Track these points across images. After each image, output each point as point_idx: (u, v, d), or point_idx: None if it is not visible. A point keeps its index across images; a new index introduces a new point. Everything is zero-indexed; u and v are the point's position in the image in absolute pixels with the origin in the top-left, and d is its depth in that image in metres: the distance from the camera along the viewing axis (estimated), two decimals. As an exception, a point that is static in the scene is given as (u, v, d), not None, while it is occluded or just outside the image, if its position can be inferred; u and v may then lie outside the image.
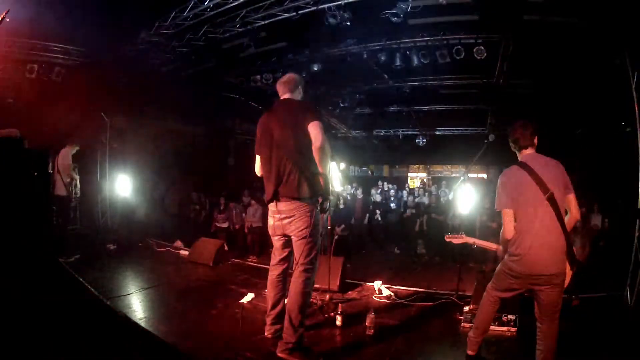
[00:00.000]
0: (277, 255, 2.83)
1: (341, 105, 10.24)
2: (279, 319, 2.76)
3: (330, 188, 2.78)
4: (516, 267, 2.29)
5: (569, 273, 2.34)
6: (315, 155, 2.50)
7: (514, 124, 2.42)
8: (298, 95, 2.76)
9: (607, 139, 8.32)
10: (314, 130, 2.47)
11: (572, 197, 2.31)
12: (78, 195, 6.98)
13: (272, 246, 2.88)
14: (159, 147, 9.37)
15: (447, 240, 3.28)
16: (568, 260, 2.27)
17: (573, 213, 2.32)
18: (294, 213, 2.58)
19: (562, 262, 2.24)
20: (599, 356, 2.74)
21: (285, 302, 2.71)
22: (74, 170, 5.70)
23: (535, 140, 2.39)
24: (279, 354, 2.55)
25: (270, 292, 2.82)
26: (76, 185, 6.63)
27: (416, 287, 4.19)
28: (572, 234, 2.35)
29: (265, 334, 2.84)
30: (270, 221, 2.76)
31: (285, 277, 2.83)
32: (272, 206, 2.70)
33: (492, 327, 2.84)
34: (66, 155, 5.42)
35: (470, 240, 3.21)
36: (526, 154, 2.39)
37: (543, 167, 2.28)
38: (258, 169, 2.83)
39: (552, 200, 2.21)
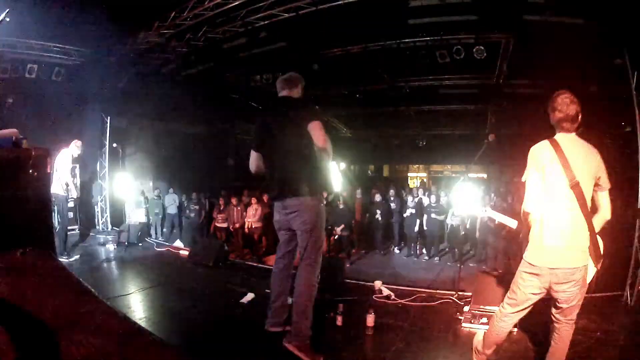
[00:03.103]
0: (282, 249, 2.86)
1: (341, 105, 10.24)
2: (280, 312, 2.79)
3: (331, 183, 2.80)
4: (535, 260, 2.11)
5: (592, 271, 2.19)
6: (319, 154, 2.53)
7: (559, 95, 2.13)
8: (297, 94, 2.77)
9: (607, 138, 8.32)
10: (315, 130, 2.49)
11: (604, 195, 2.13)
12: (78, 196, 6.99)
13: (272, 245, 2.90)
14: (159, 147, 9.38)
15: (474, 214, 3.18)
16: (592, 256, 2.11)
17: (602, 212, 2.14)
18: (299, 208, 2.61)
19: (583, 257, 2.07)
20: (599, 356, 2.74)
21: (289, 299, 2.74)
22: (72, 172, 5.69)
23: (579, 121, 2.13)
24: (286, 344, 2.56)
25: (273, 285, 2.85)
26: (76, 185, 6.64)
27: (416, 287, 4.19)
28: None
29: (266, 327, 2.84)
30: (276, 216, 2.79)
31: (289, 271, 2.85)
32: (277, 202, 2.75)
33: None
34: (65, 155, 5.42)
35: (494, 214, 3.09)
36: (564, 133, 2.14)
37: (576, 153, 2.08)
38: (253, 165, 2.82)
39: (576, 188, 2.02)
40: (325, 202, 2.73)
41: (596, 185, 2.11)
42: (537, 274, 2.11)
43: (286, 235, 2.79)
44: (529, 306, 2.22)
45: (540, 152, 2.13)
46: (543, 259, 2.08)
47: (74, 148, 5.30)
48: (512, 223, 2.93)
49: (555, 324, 2.19)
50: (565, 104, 2.10)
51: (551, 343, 2.23)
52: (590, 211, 2.07)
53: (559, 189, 2.05)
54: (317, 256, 2.66)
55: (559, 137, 2.14)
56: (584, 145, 2.13)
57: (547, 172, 2.08)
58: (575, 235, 2.05)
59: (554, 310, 2.19)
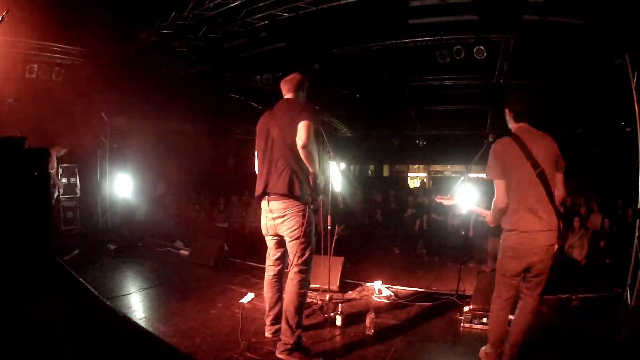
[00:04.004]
0: (271, 255, 2.81)
1: (341, 104, 10.25)
2: (278, 319, 2.76)
3: (324, 187, 2.77)
4: (513, 244, 2.33)
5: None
6: (301, 154, 2.48)
7: (515, 94, 2.47)
8: (301, 96, 2.74)
9: (607, 139, 8.33)
10: (301, 128, 2.46)
11: (560, 176, 2.37)
12: (79, 195, 7.01)
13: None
14: (159, 147, 9.38)
15: (438, 200, 3.15)
16: (557, 235, 2.34)
17: (560, 192, 2.38)
18: (285, 212, 2.56)
19: (554, 235, 2.31)
20: (599, 356, 2.74)
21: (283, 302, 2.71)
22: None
23: (532, 114, 2.43)
24: (278, 355, 2.55)
25: (267, 294, 2.81)
26: (76, 185, 6.68)
27: (416, 287, 4.19)
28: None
29: (266, 334, 2.84)
30: (263, 220, 2.73)
31: (280, 278, 2.82)
32: (264, 204, 2.68)
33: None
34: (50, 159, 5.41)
35: (461, 203, 3.08)
36: (521, 126, 2.41)
37: (535, 142, 2.32)
38: (256, 167, 2.80)
39: (541, 176, 2.26)
40: (311, 207, 2.63)
41: (555, 166, 2.35)
42: (516, 257, 2.35)
43: (273, 240, 2.74)
44: (514, 288, 2.44)
45: (504, 148, 2.37)
46: (520, 240, 2.31)
47: (58, 149, 5.27)
48: (486, 212, 2.92)
49: (522, 300, 2.45)
50: (526, 96, 2.42)
51: (516, 313, 2.47)
52: (554, 194, 2.32)
53: (527, 178, 2.29)
54: (307, 263, 2.61)
55: (518, 130, 2.41)
56: (540, 134, 2.38)
57: (514, 165, 2.31)
58: (546, 217, 2.28)
59: (524, 286, 2.43)
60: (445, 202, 3.09)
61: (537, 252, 2.29)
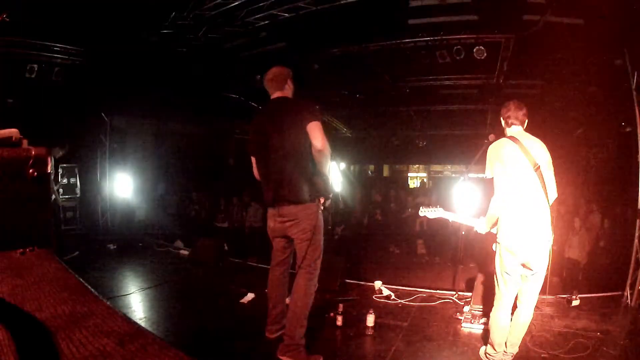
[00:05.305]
0: (277, 256, 2.76)
1: (341, 105, 10.24)
2: (279, 318, 2.74)
3: (330, 187, 2.74)
4: (511, 240, 2.37)
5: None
6: (316, 157, 2.44)
7: (509, 102, 2.60)
8: (289, 90, 2.65)
9: (607, 138, 8.33)
10: (314, 131, 2.40)
11: (553, 178, 2.46)
12: (79, 195, 7.02)
13: (272, 247, 2.83)
14: (159, 147, 9.38)
15: (422, 214, 2.97)
16: (551, 231, 2.39)
17: (552, 192, 2.46)
18: (296, 216, 2.51)
19: (548, 232, 2.37)
20: (599, 356, 2.74)
21: (287, 302, 2.69)
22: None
23: (526, 121, 2.55)
24: (280, 357, 2.53)
25: (271, 293, 2.78)
26: (76, 186, 6.69)
27: (416, 287, 4.19)
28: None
29: (266, 333, 2.83)
30: (270, 223, 2.67)
31: (286, 278, 2.78)
32: (272, 209, 2.63)
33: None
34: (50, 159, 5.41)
35: (446, 215, 2.92)
36: (515, 130, 2.53)
37: (530, 143, 2.43)
38: (255, 172, 2.75)
39: (539, 172, 2.36)
40: (322, 208, 2.60)
41: (548, 166, 2.44)
42: (514, 252, 2.38)
43: (282, 242, 2.70)
44: (514, 285, 2.46)
45: (502, 147, 2.46)
46: (518, 236, 2.36)
47: (55, 150, 5.25)
48: (471, 222, 2.81)
49: (520, 300, 2.49)
50: (521, 105, 2.55)
51: (515, 313, 2.50)
52: (547, 194, 2.39)
53: (525, 175, 2.36)
54: (315, 264, 2.58)
55: (515, 133, 2.51)
56: (533, 138, 2.48)
57: (512, 163, 2.39)
58: (542, 214, 2.35)
59: (522, 284, 2.45)
60: (430, 216, 2.94)
61: (534, 248, 2.34)
